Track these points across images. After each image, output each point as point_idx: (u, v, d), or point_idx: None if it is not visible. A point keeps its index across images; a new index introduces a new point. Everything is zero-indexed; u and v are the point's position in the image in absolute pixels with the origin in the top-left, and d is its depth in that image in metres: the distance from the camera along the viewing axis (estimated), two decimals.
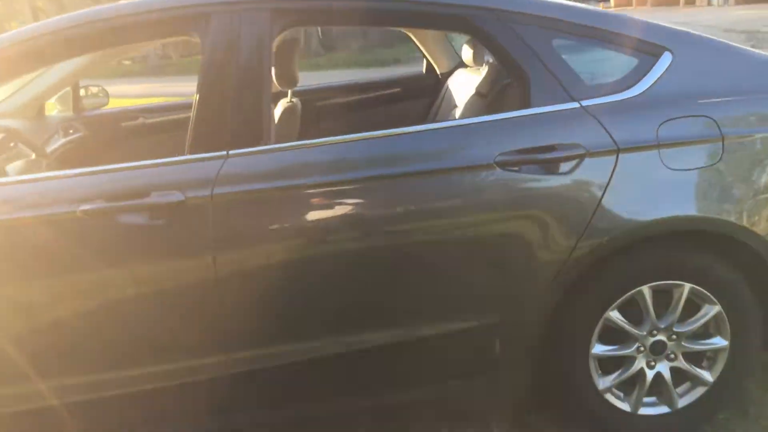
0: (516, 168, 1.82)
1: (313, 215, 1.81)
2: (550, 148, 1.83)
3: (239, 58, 1.82)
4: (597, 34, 1.95)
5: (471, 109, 2.61)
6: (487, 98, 2.56)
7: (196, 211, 1.74)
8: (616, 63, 2.00)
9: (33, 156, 2.37)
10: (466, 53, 2.92)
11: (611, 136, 1.83)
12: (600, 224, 1.83)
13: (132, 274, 1.77)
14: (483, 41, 1.96)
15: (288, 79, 2.62)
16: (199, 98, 1.82)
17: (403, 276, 1.86)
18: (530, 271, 1.87)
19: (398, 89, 3.50)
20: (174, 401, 1.91)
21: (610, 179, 1.83)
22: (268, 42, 1.85)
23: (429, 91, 3.30)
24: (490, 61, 2.94)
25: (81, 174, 1.82)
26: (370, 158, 1.82)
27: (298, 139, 1.92)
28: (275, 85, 2.44)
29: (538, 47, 1.90)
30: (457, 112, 2.94)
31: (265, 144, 1.82)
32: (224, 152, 1.79)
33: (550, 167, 1.83)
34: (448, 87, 3.17)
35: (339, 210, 1.81)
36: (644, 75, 1.92)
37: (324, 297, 1.86)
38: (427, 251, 1.85)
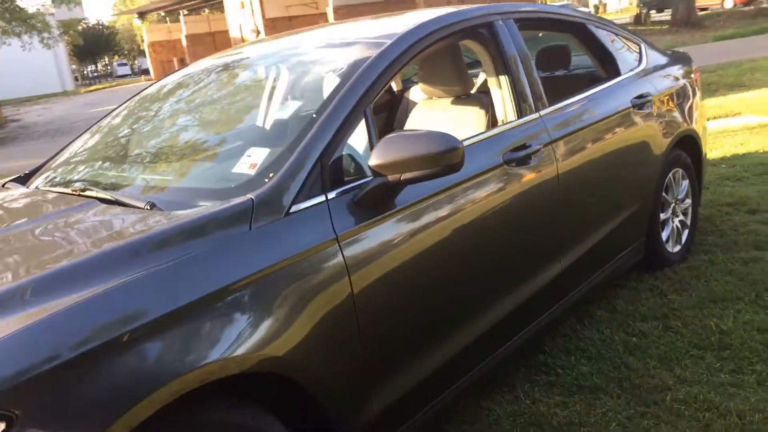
0: (636, 108, 3.08)
1: (611, 145, 2.75)
2: (643, 96, 3.15)
3: (520, 51, 2.61)
4: (617, 32, 3.36)
5: None
6: None
7: (546, 154, 2.50)
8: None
9: None
10: None
11: (655, 88, 3.27)
12: (666, 132, 3.25)
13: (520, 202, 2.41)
14: (587, 38, 3.16)
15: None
16: (517, 79, 2.53)
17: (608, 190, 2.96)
18: (652, 165, 3.16)
19: None
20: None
21: (665, 110, 3.26)
22: (520, 36, 2.68)
23: None
24: None
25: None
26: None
27: None
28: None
29: (609, 41, 3.22)
30: None
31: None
32: (537, 114, 2.56)
33: (643, 108, 3.14)
34: None
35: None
36: (641, 56, 3.42)
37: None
38: (614, 170, 2.96)
